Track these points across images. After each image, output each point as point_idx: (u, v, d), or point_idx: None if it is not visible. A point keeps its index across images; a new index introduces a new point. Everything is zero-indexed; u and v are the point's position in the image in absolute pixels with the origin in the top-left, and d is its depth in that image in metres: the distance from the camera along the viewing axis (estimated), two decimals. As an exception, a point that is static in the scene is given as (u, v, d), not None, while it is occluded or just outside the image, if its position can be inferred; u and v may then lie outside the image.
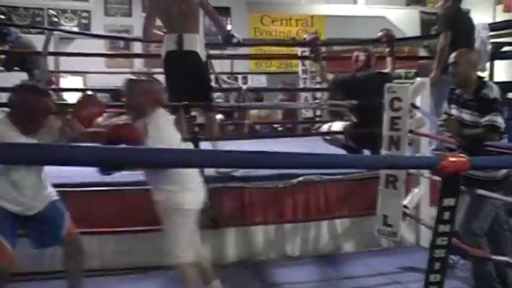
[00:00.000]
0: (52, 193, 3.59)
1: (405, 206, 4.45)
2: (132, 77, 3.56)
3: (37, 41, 7.20)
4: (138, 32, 11.06)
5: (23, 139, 3.32)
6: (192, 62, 4.91)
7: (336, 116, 8.39)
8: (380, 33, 6.00)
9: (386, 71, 5.66)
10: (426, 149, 5.17)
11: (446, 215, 2.37)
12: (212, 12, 5.16)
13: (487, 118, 3.64)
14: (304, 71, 9.14)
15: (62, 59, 7.71)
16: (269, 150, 2.01)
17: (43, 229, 3.51)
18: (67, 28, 11.16)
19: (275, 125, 10.30)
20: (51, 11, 11.37)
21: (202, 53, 4.98)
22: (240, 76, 11.40)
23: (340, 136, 5.61)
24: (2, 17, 10.61)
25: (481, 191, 3.60)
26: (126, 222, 4.44)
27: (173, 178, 3.34)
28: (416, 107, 4.80)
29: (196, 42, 4.92)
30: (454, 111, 3.91)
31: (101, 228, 4.35)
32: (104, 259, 4.43)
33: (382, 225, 4.38)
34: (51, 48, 6.63)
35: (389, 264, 4.70)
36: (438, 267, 2.45)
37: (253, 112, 9.33)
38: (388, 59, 5.78)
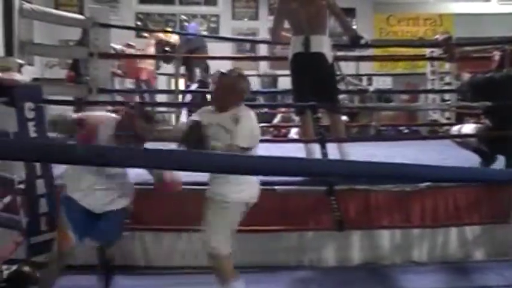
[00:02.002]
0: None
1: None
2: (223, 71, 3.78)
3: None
4: (264, 35, 11.35)
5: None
6: (319, 64, 4.93)
7: (463, 118, 8.08)
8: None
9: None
10: None
11: None
12: (340, 14, 5.15)
13: None
14: (433, 72, 8.89)
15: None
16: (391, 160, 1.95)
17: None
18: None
19: (400, 127, 10.06)
20: (182, 16, 11.88)
21: (329, 55, 4.98)
22: (364, 77, 11.27)
23: (472, 139, 5.37)
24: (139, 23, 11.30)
25: None
26: (255, 222, 4.53)
27: None
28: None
29: (323, 44, 4.93)
30: None
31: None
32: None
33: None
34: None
35: (526, 275, 4.44)
36: None
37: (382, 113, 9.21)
38: (527, 59, 5.46)
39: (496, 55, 5.42)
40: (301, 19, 4.92)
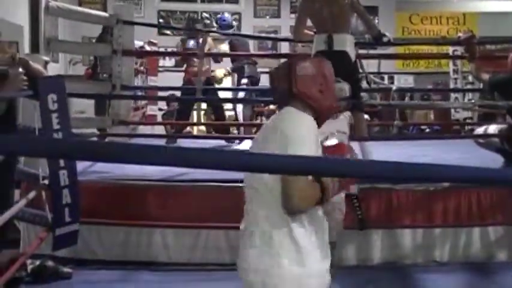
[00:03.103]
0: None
1: None
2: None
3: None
4: (286, 33, 11.34)
5: None
6: (342, 62, 4.90)
7: (486, 118, 8.00)
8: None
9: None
10: None
11: None
12: (363, 12, 5.14)
13: None
14: (456, 71, 8.82)
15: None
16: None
17: None
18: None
19: (422, 127, 10.01)
20: (204, 14, 11.91)
21: (352, 53, 4.97)
22: (386, 76, 11.21)
23: (495, 139, 5.32)
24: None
25: None
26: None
27: None
28: None
29: (346, 42, 4.92)
30: None
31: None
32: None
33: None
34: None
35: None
36: None
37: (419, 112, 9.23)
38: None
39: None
40: (325, 17, 4.92)
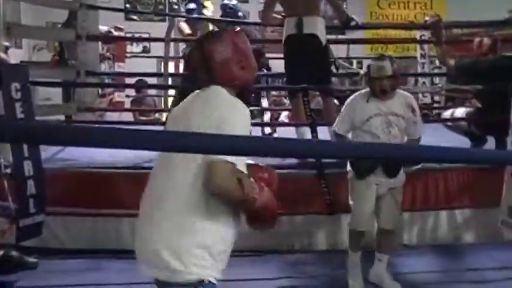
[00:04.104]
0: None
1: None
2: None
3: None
4: (254, 18, 11.25)
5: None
6: (312, 45, 4.88)
7: (453, 101, 8.07)
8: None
9: (513, 54, 5.34)
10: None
11: None
12: (332, -4, 5.12)
13: None
14: (423, 56, 8.88)
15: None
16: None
17: None
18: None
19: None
20: (173, -1, 11.79)
21: (323, 36, 4.92)
22: (354, 61, 11.23)
23: (463, 123, 5.37)
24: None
25: None
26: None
27: None
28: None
29: (316, 25, 4.87)
30: None
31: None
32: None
33: (507, 217, 4.17)
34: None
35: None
36: None
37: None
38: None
39: (486, 40, 5.39)
40: (295, 1, 4.87)
